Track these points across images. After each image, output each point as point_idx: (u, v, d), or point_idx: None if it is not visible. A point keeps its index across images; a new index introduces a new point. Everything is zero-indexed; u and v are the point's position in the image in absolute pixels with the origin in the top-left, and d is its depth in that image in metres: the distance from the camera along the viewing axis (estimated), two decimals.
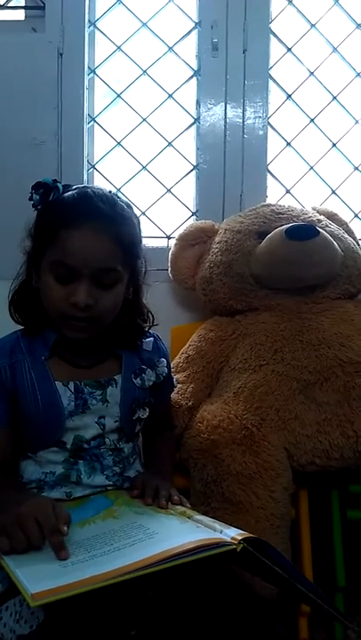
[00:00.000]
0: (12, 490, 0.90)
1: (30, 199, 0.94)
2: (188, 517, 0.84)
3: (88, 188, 0.94)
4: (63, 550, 0.72)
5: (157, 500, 0.89)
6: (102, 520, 0.85)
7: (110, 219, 0.90)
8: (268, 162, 1.69)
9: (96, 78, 1.70)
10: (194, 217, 1.70)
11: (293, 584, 0.77)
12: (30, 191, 0.93)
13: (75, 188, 0.94)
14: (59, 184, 0.93)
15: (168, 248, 1.58)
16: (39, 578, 0.67)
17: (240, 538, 0.73)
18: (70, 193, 0.93)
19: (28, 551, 0.73)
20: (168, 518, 0.85)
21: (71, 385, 0.94)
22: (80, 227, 0.88)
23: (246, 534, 0.75)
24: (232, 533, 0.76)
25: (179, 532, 0.78)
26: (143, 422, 1.03)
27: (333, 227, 1.45)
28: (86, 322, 0.91)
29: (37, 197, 0.92)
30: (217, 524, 0.80)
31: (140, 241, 0.98)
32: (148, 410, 1.01)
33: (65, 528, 0.75)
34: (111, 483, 0.96)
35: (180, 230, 1.56)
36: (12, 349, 0.94)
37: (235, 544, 0.73)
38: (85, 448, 0.95)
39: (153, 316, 1.04)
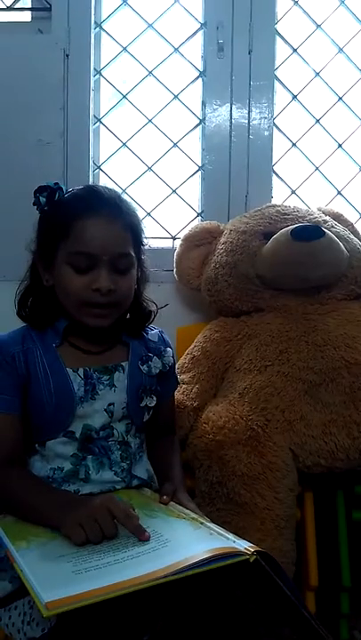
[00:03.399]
0: (59, 492, 0.92)
1: (34, 203, 0.97)
2: (201, 524, 0.84)
3: (92, 185, 0.96)
4: (144, 532, 0.77)
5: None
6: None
7: (120, 207, 0.95)
8: (273, 162, 1.69)
9: (102, 79, 1.70)
10: (199, 218, 1.70)
11: (297, 607, 0.76)
12: (35, 195, 0.96)
13: (79, 187, 0.99)
14: (62, 186, 0.97)
15: (173, 249, 1.59)
16: (52, 584, 0.66)
17: (253, 550, 0.73)
18: (76, 190, 0.98)
19: (102, 542, 0.76)
20: (181, 523, 0.84)
21: (81, 371, 0.96)
22: (94, 216, 0.92)
23: (258, 548, 0.74)
24: (245, 544, 0.75)
25: (192, 540, 0.78)
26: (151, 412, 1.03)
27: (339, 227, 1.45)
28: (108, 308, 0.94)
29: (44, 199, 0.96)
30: (230, 535, 0.79)
31: (143, 230, 1.02)
32: (155, 398, 1.02)
33: (135, 512, 0.81)
34: (120, 479, 0.96)
35: (186, 231, 1.56)
36: (24, 338, 0.97)
37: (248, 554, 0.72)
38: (94, 438, 0.96)
39: (156, 305, 1.07)
